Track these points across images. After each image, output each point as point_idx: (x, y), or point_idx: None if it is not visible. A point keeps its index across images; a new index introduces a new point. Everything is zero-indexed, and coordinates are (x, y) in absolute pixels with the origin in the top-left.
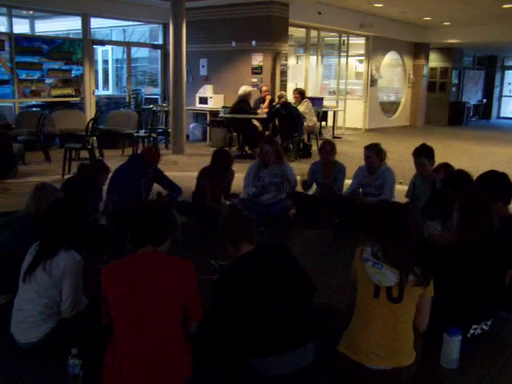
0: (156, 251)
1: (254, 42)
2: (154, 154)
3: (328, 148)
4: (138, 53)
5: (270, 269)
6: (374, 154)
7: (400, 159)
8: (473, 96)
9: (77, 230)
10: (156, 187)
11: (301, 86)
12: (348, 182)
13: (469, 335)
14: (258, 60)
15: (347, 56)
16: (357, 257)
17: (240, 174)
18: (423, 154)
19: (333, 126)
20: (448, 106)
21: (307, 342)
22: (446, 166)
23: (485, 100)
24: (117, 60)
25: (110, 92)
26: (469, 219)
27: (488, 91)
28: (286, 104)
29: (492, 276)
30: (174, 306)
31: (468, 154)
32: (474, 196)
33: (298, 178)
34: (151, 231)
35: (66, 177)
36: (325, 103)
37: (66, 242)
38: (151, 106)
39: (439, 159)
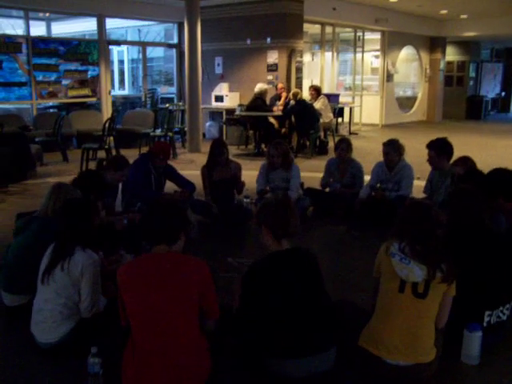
0: (170, 250)
1: (269, 40)
2: (161, 147)
3: (343, 146)
4: (154, 52)
5: (303, 271)
6: (393, 149)
7: (417, 154)
8: (491, 89)
9: (89, 228)
10: (171, 185)
11: (316, 82)
12: (366, 178)
13: (485, 323)
14: (273, 57)
15: (363, 51)
16: (382, 253)
17: (257, 172)
18: (431, 146)
19: (349, 122)
20: (466, 100)
21: (330, 348)
22: (464, 160)
23: (503, 93)
24: (132, 60)
25: (126, 92)
26: (454, 213)
27: (507, 84)
28: (302, 101)
29: (499, 267)
30: (189, 304)
31: (487, 149)
32: (461, 191)
33: None
34: (164, 230)
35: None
36: (341, 99)
37: (80, 241)
38: (167, 105)
39: (458, 154)
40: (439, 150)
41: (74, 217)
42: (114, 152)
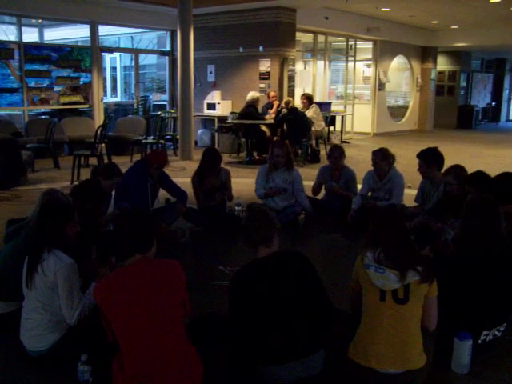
0: (145, 258)
1: (261, 48)
2: (158, 155)
3: (337, 154)
4: (146, 59)
5: (283, 275)
6: (381, 158)
7: (408, 163)
8: (481, 99)
9: (60, 233)
10: (164, 193)
11: (308, 90)
12: (359, 187)
13: (480, 341)
14: (265, 65)
15: (355, 60)
16: (358, 265)
17: (249, 180)
18: (421, 156)
19: (341, 131)
20: (456, 110)
21: (317, 351)
22: (456, 169)
23: (494, 103)
24: (125, 67)
25: (118, 99)
26: (472, 226)
27: (497, 94)
28: (294, 109)
29: (501, 282)
30: (175, 308)
31: (478, 158)
32: (480, 200)
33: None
34: (137, 241)
35: (75, 183)
36: (333, 108)
37: (50, 245)
38: (159, 112)
39: (449, 163)
40: (429, 159)
41: (46, 219)
42: (105, 159)
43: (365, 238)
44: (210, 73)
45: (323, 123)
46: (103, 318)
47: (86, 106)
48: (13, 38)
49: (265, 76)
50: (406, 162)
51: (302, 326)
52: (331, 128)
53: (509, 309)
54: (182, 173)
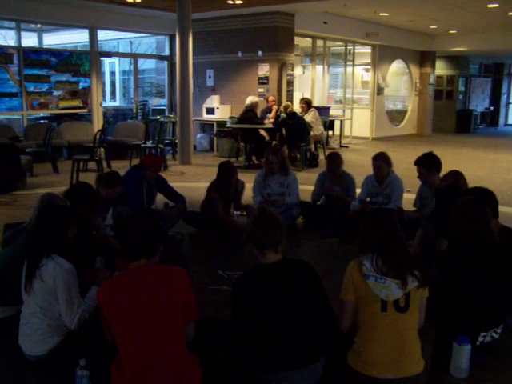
0: (149, 263)
1: (260, 53)
2: (153, 159)
3: (335, 165)
4: (145, 64)
5: (291, 284)
6: (382, 163)
7: (407, 167)
8: (480, 103)
9: (61, 237)
10: (163, 198)
11: (307, 95)
12: (358, 191)
13: (478, 343)
14: (264, 70)
15: (353, 65)
16: (355, 274)
17: (248, 185)
18: (419, 163)
19: (340, 135)
20: (455, 114)
21: (318, 359)
22: (454, 174)
23: (492, 107)
24: (124, 71)
25: (117, 103)
26: (466, 227)
27: (495, 99)
28: (293, 113)
29: (497, 284)
30: (176, 315)
31: (477, 162)
32: (471, 203)
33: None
34: (144, 245)
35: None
36: (331, 112)
37: (50, 250)
38: (158, 117)
39: (448, 168)
40: (428, 165)
41: (44, 224)
42: (104, 163)
43: (357, 241)
44: (209, 77)
45: (322, 127)
46: (103, 320)
47: (85, 110)
48: (12, 42)
49: (263, 80)
50: (405, 166)
51: (304, 334)
52: (330, 132)
53: (505, 309)
54: (181, 177)
